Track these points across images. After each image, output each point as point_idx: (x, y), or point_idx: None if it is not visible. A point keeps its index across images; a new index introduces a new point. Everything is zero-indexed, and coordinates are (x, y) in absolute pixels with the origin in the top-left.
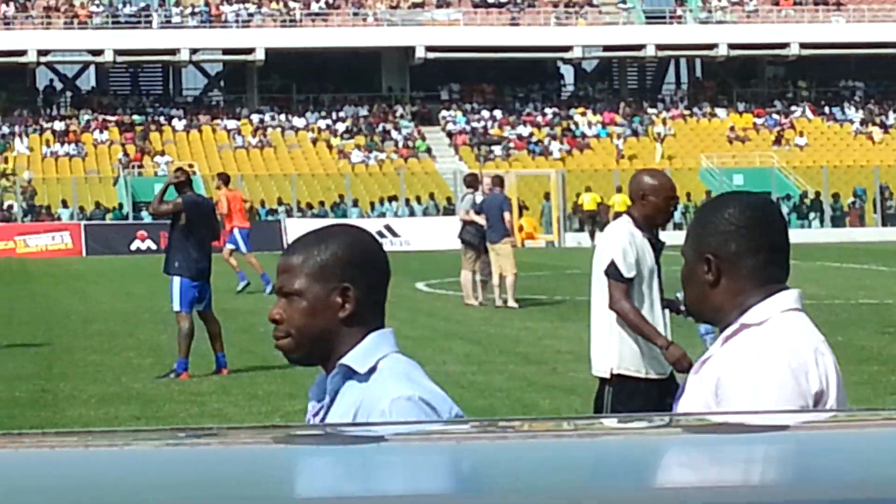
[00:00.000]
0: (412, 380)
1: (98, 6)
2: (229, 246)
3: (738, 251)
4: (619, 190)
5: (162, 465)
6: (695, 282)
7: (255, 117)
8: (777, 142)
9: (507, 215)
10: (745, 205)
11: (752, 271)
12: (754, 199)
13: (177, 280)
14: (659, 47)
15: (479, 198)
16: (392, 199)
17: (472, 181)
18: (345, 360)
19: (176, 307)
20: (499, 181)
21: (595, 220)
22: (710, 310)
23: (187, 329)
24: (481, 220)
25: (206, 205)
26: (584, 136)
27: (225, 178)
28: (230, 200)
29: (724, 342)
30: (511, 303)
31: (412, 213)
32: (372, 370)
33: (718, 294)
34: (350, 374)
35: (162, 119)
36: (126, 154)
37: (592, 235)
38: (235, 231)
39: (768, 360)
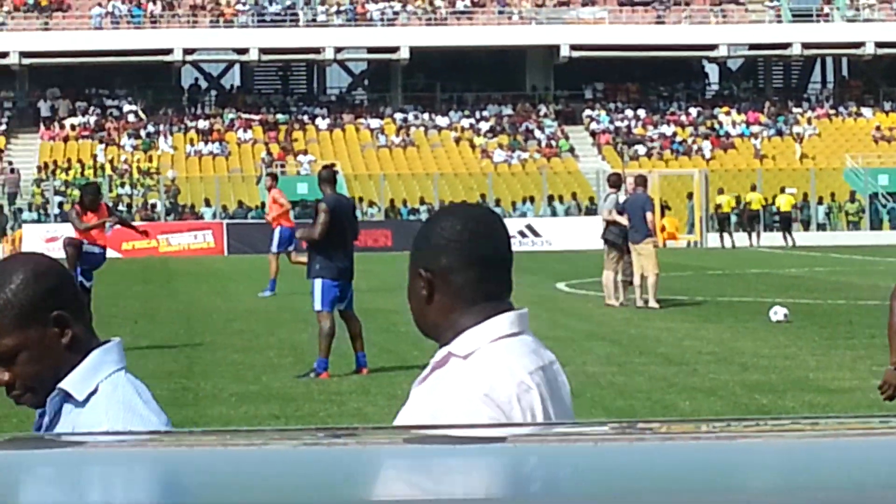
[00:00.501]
0: (130, 408)
1: (244, 5)
2: (290, 248)
3: (448, 266)
4: (753, 188)
5: (300, 464)
6: (413, 296)
7: (399, 116)
8: None
9: (649, 215)
10: (459, 217)
11: (463, 287)
12: (470, 212)
13: (318, 281)
14: (805, 46)
15: (622, 198)
16: (534, 198)
17: (616, 181)
18: (63, 385)
19: (317, 307)
20: (642, 181)
21: (729, 221)
22: (427, 326)
23: (328, 328)
24: (624, 220)
25: (347, 204)
26: (728, 135)
27: (274, 177)
28: (276, 200)
29: (432, 368)
30: (652, 303)
31: (554, 213)
32: (92, 393)
33: (433, 310)
34: (67, 397)
35: (306, 118)
36: (269, 153)
37: (722, 237)
38: (277, 230)
39: (466, 397)
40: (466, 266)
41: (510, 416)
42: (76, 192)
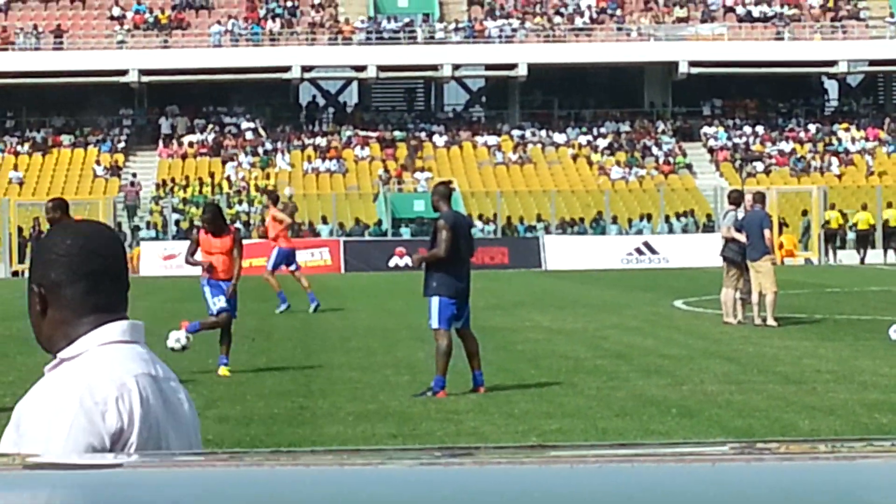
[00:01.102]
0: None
1: (362, 22)
2: (290, 267)
3: (57, 280)
4: (864, 207)
5: (418, 484)
6: (31, 311)
7: (516, 133)
8: None
9: (767, 232)
10: (69, 233)
11: (73, 300)
12: (82, 228)
13: (435, 299)
14: None
15: (741, 214)
16: (651, 215)
17: (737, 198)
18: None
19: (434, 325)
20: (760, 198)
21: (836, 238)
22: (43, 339)
23: (445, 347)
24: (742, 237)
25: (464, 220)
26: (847, 151)
27: (274, 198)
28: (275, 220)
29: (46, 373)
30: (770, 321)
31: (671, 230)
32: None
33: (47, 324)
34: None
35: (423, 135)
36: (386, 170)
37: (826, 253)
38: (276, 249)
39: (63, 397)
40: (75, 280)
41: (104, 415)
42: (194, 210)
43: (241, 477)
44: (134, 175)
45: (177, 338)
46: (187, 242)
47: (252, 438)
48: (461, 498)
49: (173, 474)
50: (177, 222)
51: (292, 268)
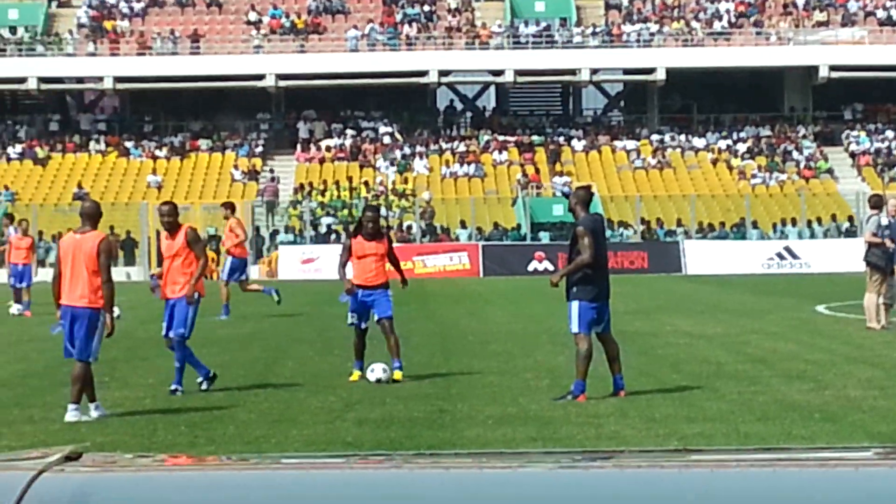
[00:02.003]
0: None
1: (499, 26)
2: (241, 277)
3: None
4: None
5: (557, 487)
6: None
7: (655, 137)
8: None
9: (887, 241)
10: None
11: None
12: None
13: (575, 303)
14: None
15: (884, 220)
16: (792, 220)
17: (877, 202)
18: None
19: (574, 329)
20: (876, 201)
21: None
22: None
23: (585, 351)
24: (889, 242)
25: (601, 224)
26: None
27: (231, 207)
28: (232, 230)
29: None
30: None
31: (812, 235)
32: None
33: None
34: None
35: (561, 139)
36: (525, 175)
37: None
38: (229, 259)
39: None
40: None
41: None
42: (340, 214)
43: (380, 480)
44: (272, 171)
45: (378, 373)
46: (326, 246)
47: (392, 441)
48: (601, 501)
49: (313, 476)
50: (315, 226)
51: (242, 278)
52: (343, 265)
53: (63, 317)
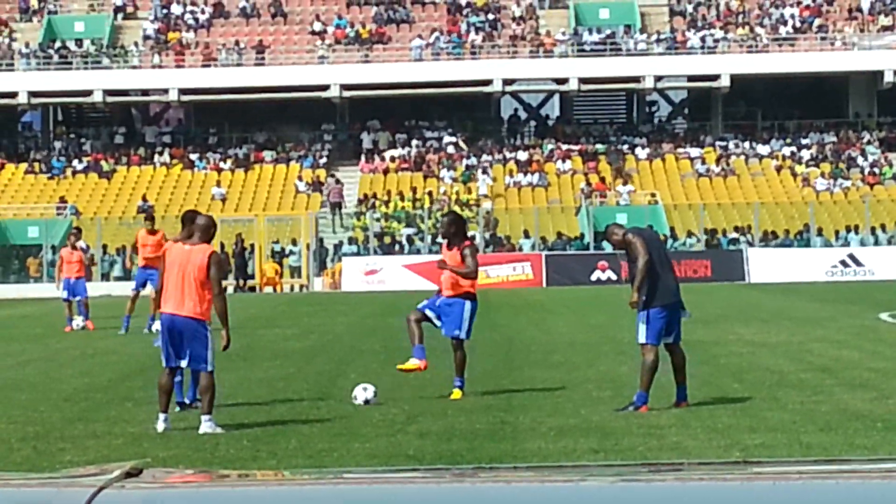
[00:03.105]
0: None
1: (563, 35)
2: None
3: None
4: None
5: (619, 500)
6: None
7: (719, 144)
8: None
9: None
10: None
11: None
12: None
13: (643, 313)
14: None
15: None
16: (856, 227)
17: None
18: None
19: (641, 339)
20: None
21: None
22: None
23: (651, 363)
24: None
25: (651, 234)
26: None
27: (151, 217)
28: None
29: None
30: None
31: (877, 242)
32: None
33: None
34: None
35: (625, 147)
36: (588, 183)
37: None
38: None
39: None
40: None
41: None
42: (396, 225)
43: (441, 493)
44: (333, 175)
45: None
46: (389, 258)
47: (453, 453)
48: None
49: (375, 490)
50: (379, 237)
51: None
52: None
53: (163, 324)
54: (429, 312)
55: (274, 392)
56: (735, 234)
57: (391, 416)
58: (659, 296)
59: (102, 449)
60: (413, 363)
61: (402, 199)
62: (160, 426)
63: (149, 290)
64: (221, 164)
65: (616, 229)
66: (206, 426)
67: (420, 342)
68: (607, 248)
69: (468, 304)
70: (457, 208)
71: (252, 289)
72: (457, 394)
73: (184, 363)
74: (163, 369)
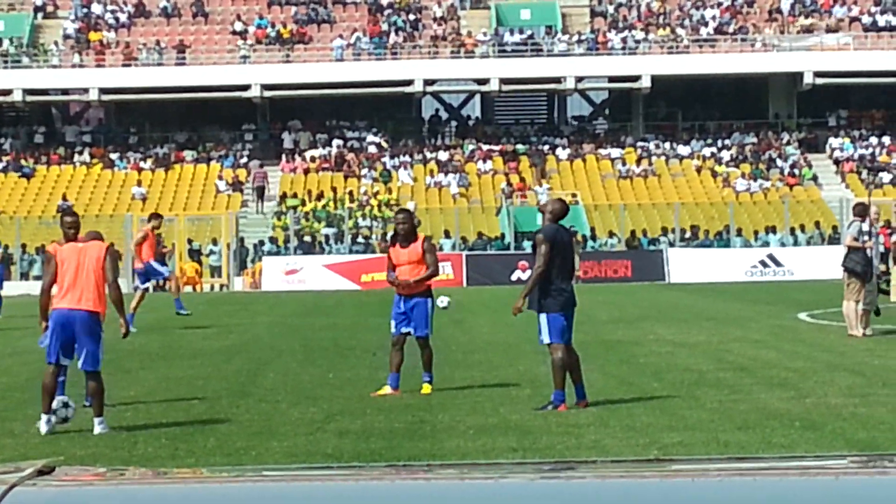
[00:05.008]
0: None
1: (485, 35)
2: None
3: None
4: None
5: (538, 498)
6: None
7: (640, 145)
8: None
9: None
10: None
11: None
12: None
13: (543, 316)
14: None
15: (865, 226)
16: (774, 228)
17: (862, 211)
18: None
19: (546, 339)
20: (861, 209)
21: None
22: None
23: (560, 360)
24: (869, 243)
25: (566, 235)
26: None
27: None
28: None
29: None
30: None
31: (796, 243)
32: None
33: None
34: None
35: (545, 148)
36: (509, 184)
37: None
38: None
39: None
40: None
41: None
42: (316, 225)
43: (360, 491)
44: (261, 165)
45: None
46: (310, 257)
47: (372, 452)
48: None
49: (293, 488)
50: (299, 237)
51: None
52: (392, 271)
53: (56, 321)
54: (405, 329)
55: (193, 391)
56: (655, 235)
57: (310, 414)
58: (555, 301)
59: (20, 447)
60: (387, 390)
61: (322, 198)
62: (43, 428)
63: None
64: (142, 164)
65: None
66: (99, 428)
67: (397, 370)
68: (528, 247)
69: (429, 301)
70: (378, 208)
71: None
72: (427, 388)
73: (68, 361)
74: (47, 370)
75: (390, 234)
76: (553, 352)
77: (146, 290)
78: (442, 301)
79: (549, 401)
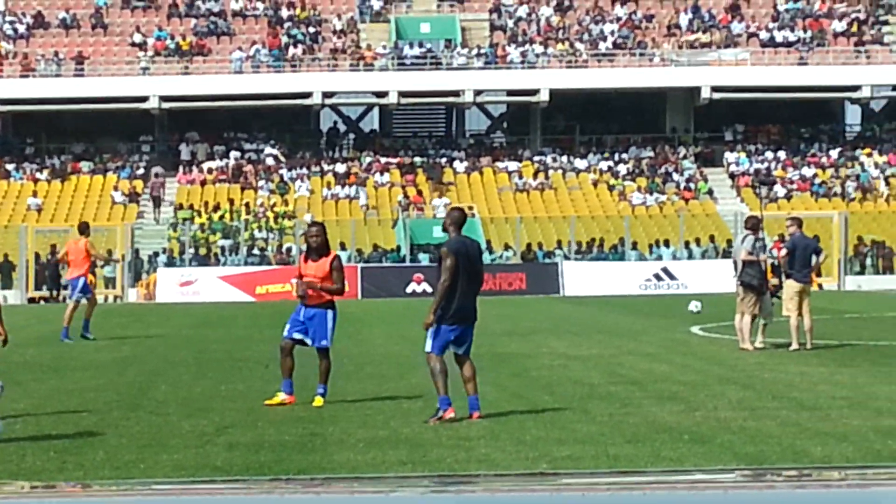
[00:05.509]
0: None
1: (384, 48)
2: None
3: None
4: None
5: None
6: None
7: (537, 159)
8: None
9: (761, 255)
10: None
11: None
12: None
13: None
14: None
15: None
16: (666, 242)
17: (755, 224)
18: None
19: (427, 348)
20: (799, 223)
21: None
22: None
23: (435, 368)
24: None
25: (471, 248)
26: (869, 177)
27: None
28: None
29: None
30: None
31: (690, 256)
32: None
33: None
34: None
35: (443, 161)
36: (406, 196)
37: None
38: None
39: None
40: None
41: None
42: (213, 237)
43: None
44: (157, 175)
45: None
46: (205, 269)
47: (262, 465)
48: None
49: (181, 502)
50: (196, 248)
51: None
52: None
53: None
54: (297, 336)
55: (84, 403)
56: (551, 248)
57: (200, 427)
58: (454, 314)
59: None
60: (281, 397)
61: (219, 210)
62: None
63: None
64: (38, 175)
65: (451, 228)
66: None
67: (289, 376)
68: (423, 260)
69: (331, 314)
70: (275, 221)
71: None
72: (318, 401)
73: None
74: None
75: (304, 246)
76: (428, 360)
77: (78, 301)
78: (695, 306)
79: (437, 408)
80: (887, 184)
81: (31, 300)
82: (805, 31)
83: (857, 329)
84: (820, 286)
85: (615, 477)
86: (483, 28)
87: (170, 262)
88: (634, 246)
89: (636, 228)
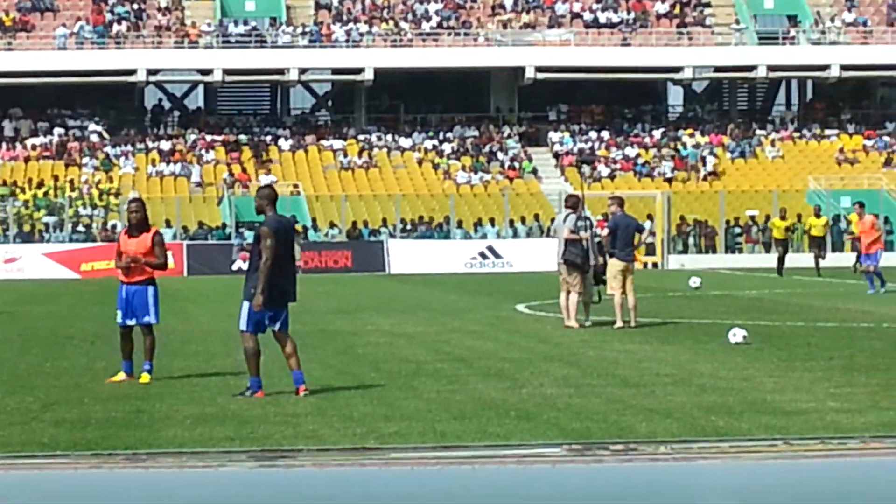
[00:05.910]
0: None
1: (209, 26)
2: None
3: None
4: (817, 214)
5: (254, 486)
6: None
7: (362, 137)
8: (887, 163)
9: (583, 234)
10: None
11: None
12: None
13: (246, 303)
14: (770, 68)
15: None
16: (495, 220)
17: (575, 203)
18: None
19: (242, 327)
20: (621, 202)
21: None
22: None
23: (250, 349)
24: (585, 235)
25: (287, 225)
26: (691, 157)
27: None
28: None
29: None
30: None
31: (515, 235)
32: None
33: None
34: None
35: (268, 138)
36: (231, 174)
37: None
38: None
39: None
40: None
41: None
42: (36, 213)
43: (77, 479)
44: None
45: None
46: (29, 245)
47: (88, 442)
48: (297, 501)
49: (6, 478)
50: (19, 225)
51: None
52: (120, 258)
53: None
54: (130, 322)
55: None
56: (376, 226)
57: (26, 404)
58: (269, 290)
59: None
60: (122, 377)
61: (43, 186)
62: None
63: None
64: None
65: (265, 206)
66: None
67: (128, 358)
68: (249, 237)
69: (151, 290)
70: (99, 197)
71: None
72: (145, 377)
73: None
74: None
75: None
76: (244, 340)
77: None
78: (694, 281)
79: (247, 386)
80: (704, 163)
81: None
82: (628, 12)
83: (680, 307)
84: (645, 264)
85: (443, 451)
86: (308, 6)
87: None
88: (460, 224)
89: (461, 207)
